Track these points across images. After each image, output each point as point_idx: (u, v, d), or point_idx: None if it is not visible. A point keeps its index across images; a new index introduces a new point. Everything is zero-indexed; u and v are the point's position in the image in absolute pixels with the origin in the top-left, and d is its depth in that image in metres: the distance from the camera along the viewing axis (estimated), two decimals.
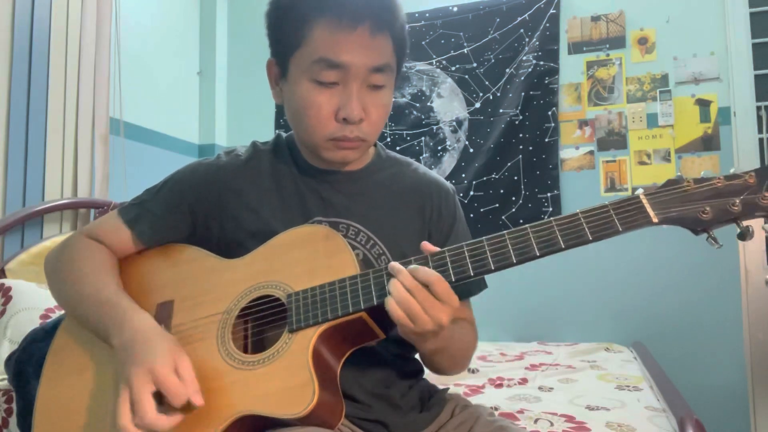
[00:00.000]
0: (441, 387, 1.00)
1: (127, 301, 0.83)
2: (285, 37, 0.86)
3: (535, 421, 1.30)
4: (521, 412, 1.37)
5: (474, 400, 1.21)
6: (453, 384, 1.62)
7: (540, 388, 1.63)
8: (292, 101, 0.87)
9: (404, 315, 0.71)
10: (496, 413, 1.04)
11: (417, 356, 0.99)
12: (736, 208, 0.68)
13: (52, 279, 0.93)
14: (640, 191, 0.73)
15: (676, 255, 2.43)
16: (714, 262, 2.40)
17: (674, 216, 0.70)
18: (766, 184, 0.68)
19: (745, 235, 0.69)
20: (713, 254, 2.36)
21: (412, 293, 0.71)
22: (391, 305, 0.72)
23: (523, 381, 1.73)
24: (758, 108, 2.45)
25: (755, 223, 0.69)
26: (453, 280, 0.74)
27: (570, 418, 1.31)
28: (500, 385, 1.69)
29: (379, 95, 0.86)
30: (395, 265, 0.75)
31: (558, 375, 1.80)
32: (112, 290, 0.85)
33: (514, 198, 2.67)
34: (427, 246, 0.78)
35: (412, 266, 0.73)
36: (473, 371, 1.84)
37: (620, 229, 0.71)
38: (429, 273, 0.72)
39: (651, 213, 0.70)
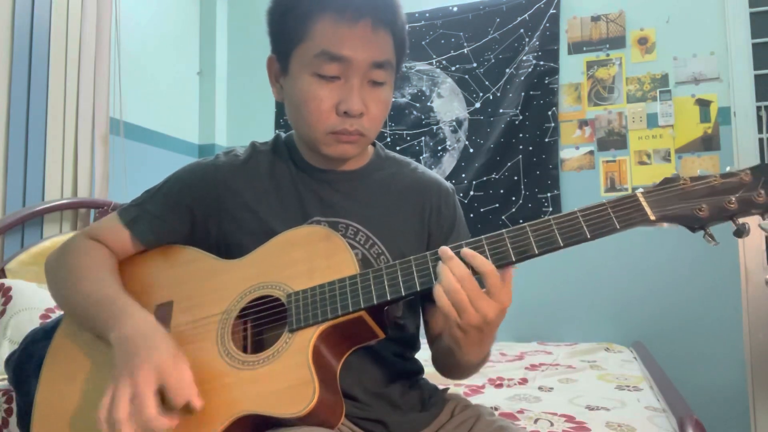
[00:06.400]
0: (441, 387, 1.00)
1: (126, 298, 0.83)
2: (287, 32, 0.86)
3: (535, 421, 1.30)
4: (521, 412, 1.37)
5: (474, 400, 1.21)
6: (453, 384, 1.62)
7: (540, 388, 1.63)
8: (293, 96, 0.88)
9: (450, 305, 0.70)
10: (496, 413, 1.04)
11: (417, 356, 1.00)
12: (732, 205, 0.69)
13: (51, 279, 0.93)
14: (640, 191, 0.73)
15: (675, 255, 2.44)
16: (714, 262, 2.40)
17: (671, 214, 0.70)
18: (761, 182, 0.68)
19: (741, 232, 0.69)
20: (713, 254, 2.36)
21: (462, 282, 0.70)
22: (439, 293, 0.70)
23: (523, 381, 1.73)
24: (758, 108, 2.45)
25: (751, 221, 0.69)
26: None
27: (570, 418, 1.31)
28: (500, 385, 1.68)
29: (380, 91, 0.87)
30: (447, 250, 0.73)
31: (558, 375, 1.80)
32: (112, 288, 0.85)
33: (514, 198, 2.67)
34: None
35: (465, 250, 0.72)
36: None
37: (618, 227, 0.71)
38: (484, 263, 0.71)
39: (648, 211, 0.71)
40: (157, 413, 0.69)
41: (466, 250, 0.72)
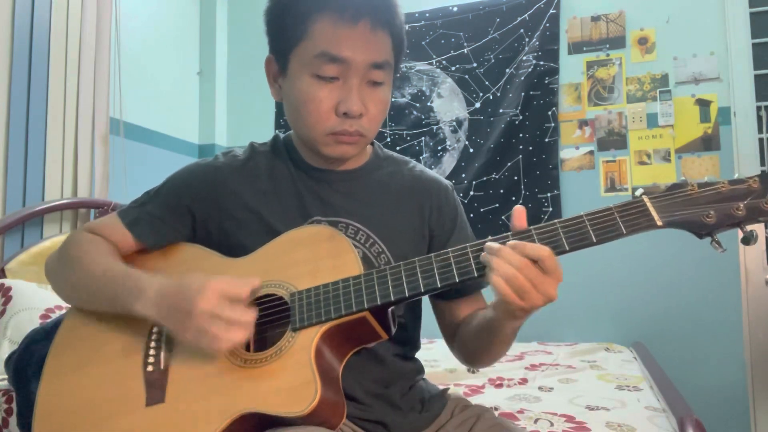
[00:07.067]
0: (441, 387, 1.00)
1: (139, 271, 0.84)
2: (286, 33, 0.86)
3: (535, 421, 1.30)
4: (521, 412, 1.37)
5: (474, 400, 1.21)
6: (453, 384, 1.62)
7: (540, 388, 1.63)
8: (291, 97, 0.88)
9: (512, 292, 0.70)
10: (496, 413, 1.04)
11: (417, 356, 1.00)
12: (740, 212, 0.68)
13: (55, 271, 0.93)
14: (640, 191, 0.73)
15: (676, 255, 2.43)
16: (714, 262, 2.40)
17: (678, 220, 0.70)
18: None
19: (749, 239, 0.68)
20: (713, 254, 2.34)
21: (521, 270, 0.70)
22: (498, 283, 0.70)
23: (523, 381, 1.73)
24: (758, 108, 2.45)
25: (759, 228, 0.69)
26: (456, 280, 0.75)
27: (570, 418, 1.31)
28: (500, 385, 1.68)
29: (379, 92, 0.87)
30: (493, 244, 0.73)
31: (558, 375, 1.80)
32: (122, 266, 0.86)
33: (514, 198, 2.67)
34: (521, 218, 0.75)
35: (512, 242, 0.71)
36: (473, 371, 1.84)
37: (624, 232, 0.71)
38: (539, 248, 0.70)
39: (655, 216, 0.70)
40: (240, 308, 0.73)
41: (513, 242, 0.71)
